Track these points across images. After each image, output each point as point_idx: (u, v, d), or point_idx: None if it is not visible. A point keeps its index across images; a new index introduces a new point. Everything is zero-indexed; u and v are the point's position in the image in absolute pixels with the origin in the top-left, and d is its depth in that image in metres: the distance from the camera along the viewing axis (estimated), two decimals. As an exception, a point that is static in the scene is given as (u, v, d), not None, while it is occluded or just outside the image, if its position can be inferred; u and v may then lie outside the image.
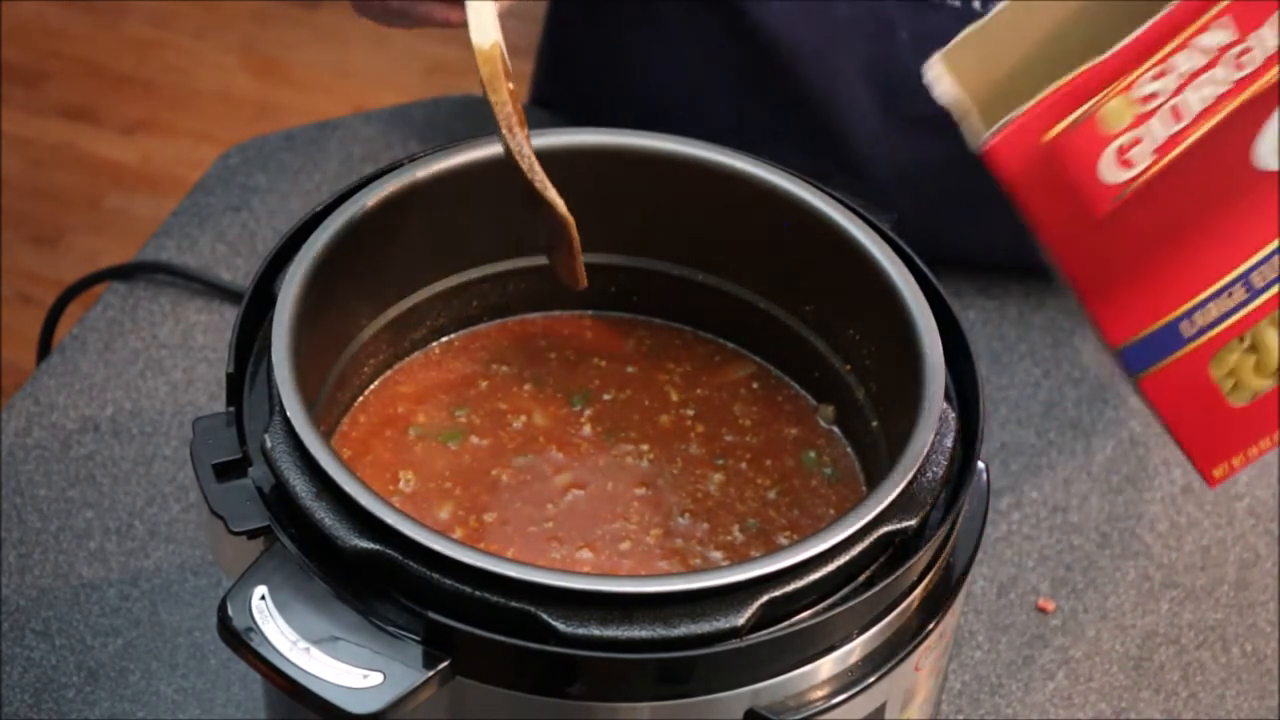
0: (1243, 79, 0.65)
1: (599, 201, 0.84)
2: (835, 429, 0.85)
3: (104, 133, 2.34)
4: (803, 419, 0.85)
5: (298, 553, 0.68)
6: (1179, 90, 0.65)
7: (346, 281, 0.80)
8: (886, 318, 0.79)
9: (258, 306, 0.77)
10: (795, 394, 0.86)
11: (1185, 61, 0.65)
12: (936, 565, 0.73)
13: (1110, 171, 0.67)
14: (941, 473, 0.73)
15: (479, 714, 0.68)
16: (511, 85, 0.79)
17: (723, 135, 0.85)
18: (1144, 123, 0.66)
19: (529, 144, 0.77)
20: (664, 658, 0.66)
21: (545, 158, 0.81)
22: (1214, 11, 0.64)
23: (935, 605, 0.73)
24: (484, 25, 0.81)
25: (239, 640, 0.65)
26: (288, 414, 0.70)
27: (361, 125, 1.26)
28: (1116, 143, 0.66)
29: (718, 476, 0.82)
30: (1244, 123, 0.66)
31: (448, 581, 0.66)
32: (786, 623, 0.68)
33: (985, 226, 1.07)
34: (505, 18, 0.83)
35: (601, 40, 1.22)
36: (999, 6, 0.69)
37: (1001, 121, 0.66)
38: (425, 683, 0.65)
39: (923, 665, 0.73)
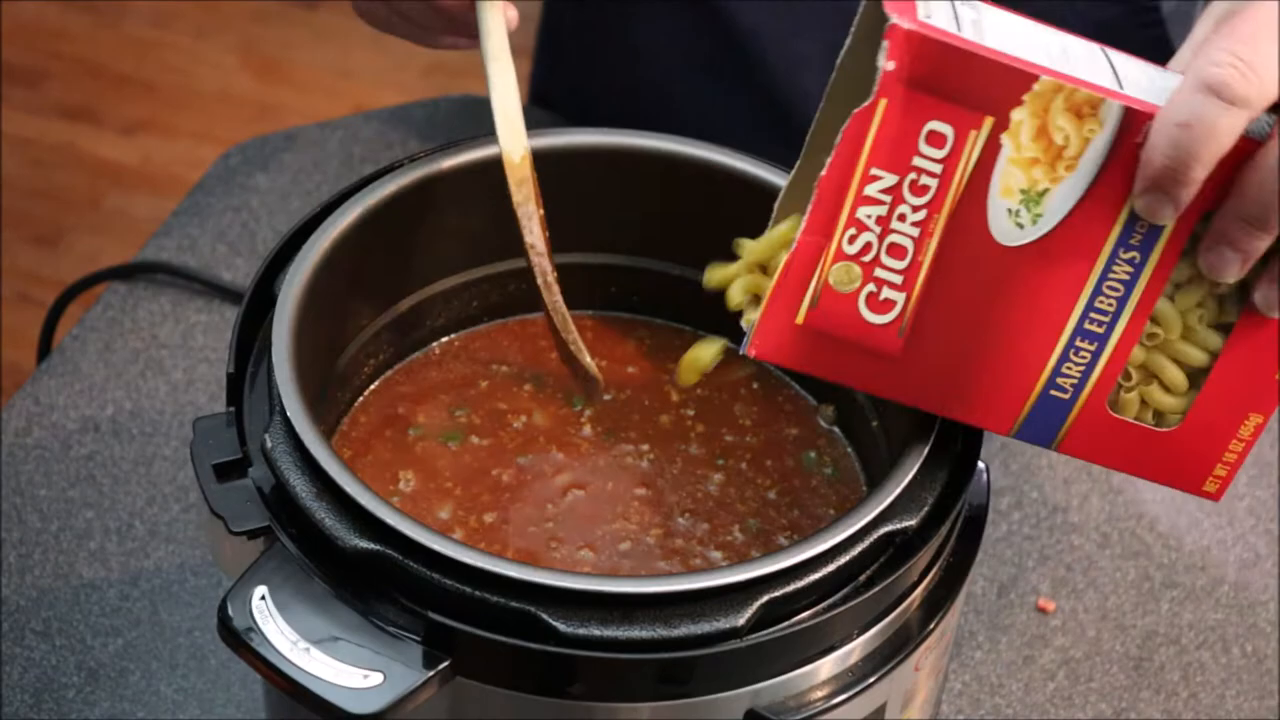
0: (934, 196, 0.66)
1: (598, 201, 0.84)
2: (835, 429, 0.85)
3: (104, 133, 2.34)
4: (803, 419, 0.85)
5: (298, 553, 0.68)
6: (885, 234, 0.67)
7: (347, 281, 0.80)
8: (887, 318, 0.79)
9: (258, 306, 0.77)
10: (795, 394, 0.86)
11: (871, 212, 0.66)
12: (936, 565, 0.73)
13: (876, 317, 0.68)
14: (942, 473, 0.73)
15: (479, 714, 0.68)
16: (542, 211, 0.79)
17: (698, 125, 0.85)
18: (874, 269, 0.67)
19: (562, 301, 0.78)
20: (664, 658, 0.66)
21: (545, 158, 0.81)
22: (858, 175, 0.66)
23: (935, 605, 0.72)
24: (513, 129, 0.80)
25: (239, 640, 0.65)
26: (288, 414, 0.70)
27: (361, 125, 1.26)
28: (863, 295, 0.68)
29: (718, 476, 0.82)
30: (966, 222, 0.66)
31: (448, 581, 0.66)
32: (787, 623, 0.68)
33: None
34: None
35: (584, 34, 1.22)
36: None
37: (748, 329, 0.69)
38: (425, 683, 0.65)
39: (923, 665, 0.73)
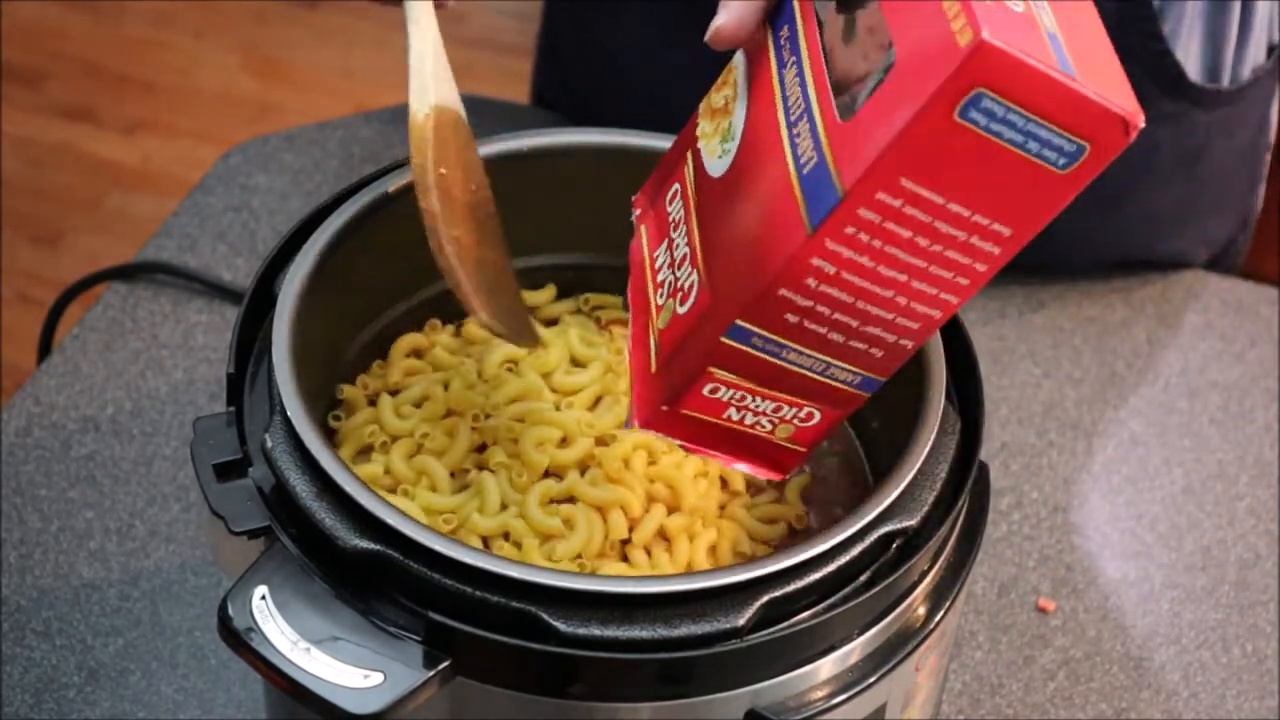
0: (684, 214, 0.74)
1: (598, 201, 0.84)
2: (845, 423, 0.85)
3: (104, 133, 2.35)
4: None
5: (298, 553, 0.68)
6: (674, 266, 0.74)
7: (347, 281, 0.80)
8: (887, 318, 0.79)
9: (258, 306, 0.77)
10: None
11: (664, 273, 0.74)
12: (937, 565, 0.73)
13: (686, 305, 0.71)
14: (942, 473, 0.73)
15: (479, 714, 0.68)
16: (442, 171, 0.78)
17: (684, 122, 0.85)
18: (676, 286, 0.72)
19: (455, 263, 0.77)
20: (664, 658, 0.66)
21: (544, 157, 0.81)
22: (649, 272, 0.75)
23: (935, 605, 0.72)
24: (421, 85, 0.79)
25: (239, 640, 0.65)
26: (288, 414, 0.70)
27: (361, 125, 1.26)
28: (677, 301, 0.72)
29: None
30: (700, 186, 0.73)
31: (448, 581, 0.66)
32: (787, 623, 0.68)
33: None
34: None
35: (584, 34, 1.22)
36: None
37: (626, 417, 0.73)
38: (426, 683, 0.65)
39: (923, 665, 0.73)
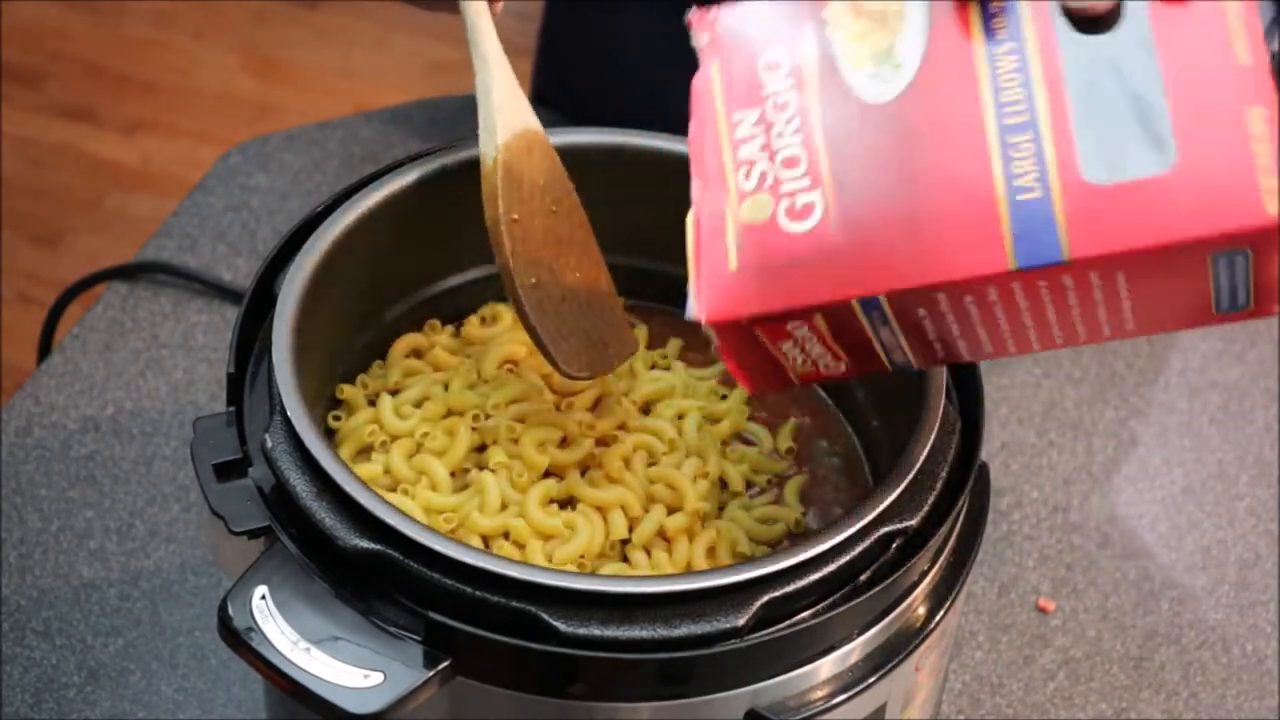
0: (798, 104, 0.69)
1: (595, 201, 0.84)
2: (844, 419, 0.85)
3: (104, 133, 2.34)
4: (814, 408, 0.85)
5: (298, 553, 0.68)
6: (773, 155, 0.68)
7: (347, 281, 0.80)
8: (887, 318, 0.79)
9: (258, 306, 0.77)
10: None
11: (751, 148, 0.69)
12: (937, 565, 0.73)
13: (802, 224, 0.67)
14: (942, 473, 0.73)
15: (479, 714, 0.68)
16: (516, 216, 0.78)
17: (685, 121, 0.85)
18: (779, 188, 0.68)
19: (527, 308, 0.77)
20: (664, 658, 0.66)
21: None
22: (723, 127, 0.70)
23: (935, 605, 0.73)
24: (488, 123, 0.79)
25: (239, 640, 0.65)
26: (288, 414, 0.70)
27: (361, 125, 1.26)
28: (780, 214, 0.68)
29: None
30: (838, 109, 0.68)
31: (448, 581, 0.66)
32: (787, 623, 0.68)
33: None
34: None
35: (585, 34, 1.22)
36: None
37: (691, 292, 0.69)
38: (426, 683, 0.65)
39: (923, 665, 0.73)
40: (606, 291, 0.82)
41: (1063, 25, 0.65)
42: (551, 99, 1.27)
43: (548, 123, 0.82)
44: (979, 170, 0.64)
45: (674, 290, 0.88)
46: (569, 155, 0.83)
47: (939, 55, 0.67)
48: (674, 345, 0.87)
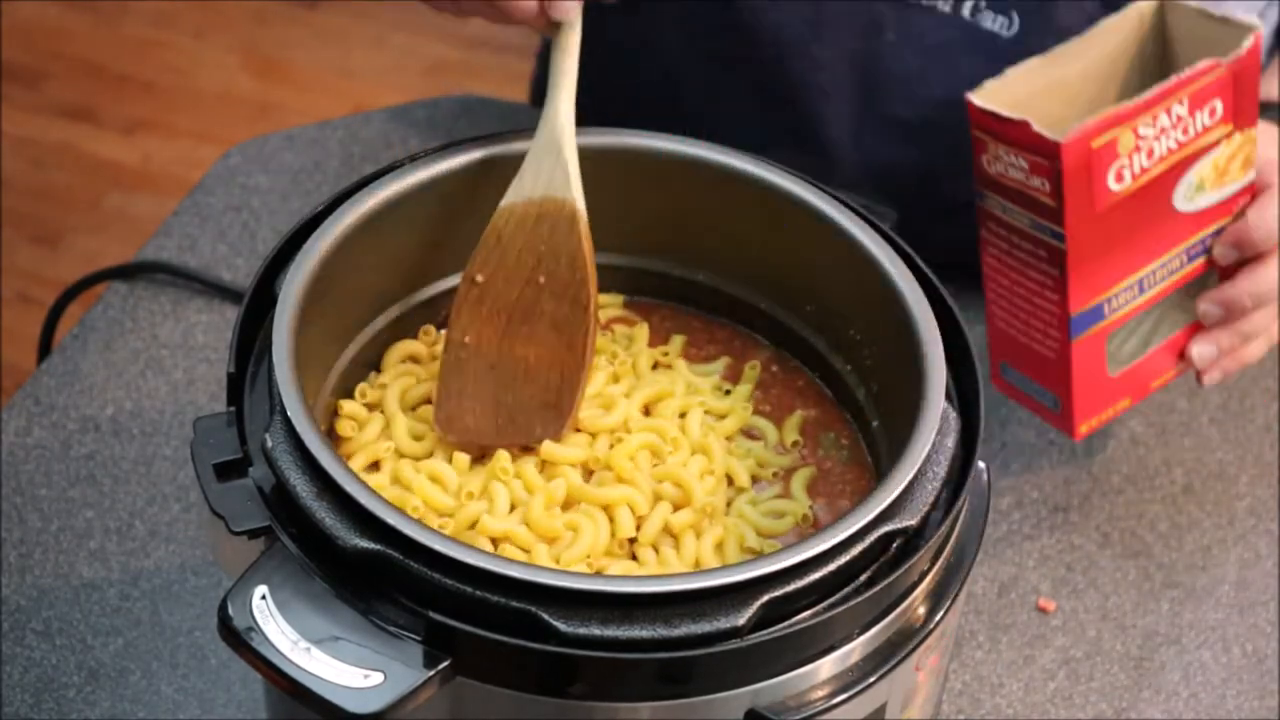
0: (1182, 143, 0.90)
1: (598, 202, 0.84)
2: (848, 415, 0.85)
3: (104, 133, 2.34)
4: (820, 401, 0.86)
5: (298, 553, 0.68)
6: (1156, 137, 0.89)
7: (347, 281, 0.80)
8: (887, 317, 0.79)
9: (258, 306, 0.77)
10: (811, 381, 0.86)
11: (1162, 119, 0.89)
12: (937, 565, 0.73)
13: (1112, 182, 0.89)
14: (942, 473, 0.73)
15: (479, 714, 0.68)
16: (480, 278, 0.80)
17: (696, 122, 0.85)
18: (1134, 154, 0.89)
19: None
20: (664, 658, 0.66)
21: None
22: (1188, 89, 0.90)
23: (935, 605, 0.73)
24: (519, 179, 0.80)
25: (239, 640, 0.65)
26: (288, 414, 0.70)
27: (361, 125, 1.26)
28: (1118, 162, 0.88)
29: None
30: (1174, 174, 0.91)
31: (448, 581, 0.66)
32: (787, 623, 0.68)
33: (951, 234, 1.07)
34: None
35: (591, 34, 1.22)
36: (1027, 63, 0.93)
37: (1072, 128, 0.87)
38: (426, 683, 0.65)
39: (923, 665, 0.73)
40: (564, 376, 0.81)
41: None
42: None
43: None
44: (1161, 248, 0.95)
45: (673, 292, 0.88)
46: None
47: (1210, 212, 0.95)
48: (677, 342, 0.87)
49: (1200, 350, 0.97)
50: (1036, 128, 0.87)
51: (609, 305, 0.88)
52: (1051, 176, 0.87)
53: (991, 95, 0.91)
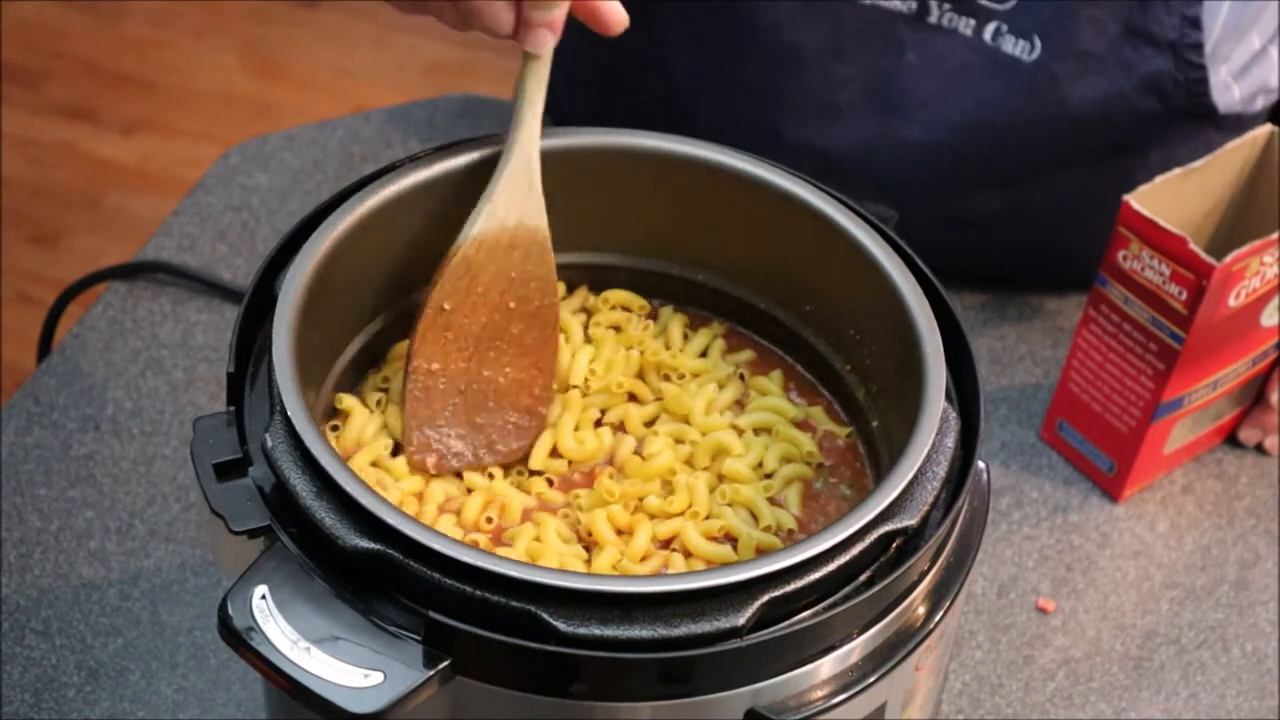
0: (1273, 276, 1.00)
1: (598, 202, 0.84)
2: (848, 415, 0.85)
3: (104, 133, 2.34)
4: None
5: (298, 552, 0.68)
6: (1270, 264, 0.98)
7: (347, 281, 0.80)
8: (887, 317, 0.79)
9: (258, 306, 0.77)
10: (809, 380, 0.86)
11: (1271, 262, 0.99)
12: (936, 565, 0.73)
13: (1232, 299, 0.98)
14: (942, 473, 0.73)
15: (479, 714, 0.68)
16: (448, 305, 0.80)
17: (704, 138, 0.85)
18: (1253, 278, 0.98)
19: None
20: (664, 658, 0.66)
21: (547, 157, 0.81)
22: None
23: (935, 605, 0.72)
24: (475, 212, 0.80)
25: (239, 640, 0.65)
26: (288, 413, 0.70)
27: (361, 125, 1.26)
28: (1242, 284, 0.97)
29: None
30: (1269, 295, 1.00)
31: (448, 581, 0.66)
32: (787, 623, 0.68)
33: (953, 241, 1.08)
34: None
35: (580, 33, 1.21)
36: (1172, 173, 1.01)
37: (1229, 256, 0.96)
38: (426, 682, 0.65)
39: (923, 665, 0.73)
40: (535, 395, 0.82)
41: None
42: (552, 99, 1.26)
43: (548, 123, 0.82)
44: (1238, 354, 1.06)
45: (673, 292, 0.88)
46: (573, 156, 0.83)
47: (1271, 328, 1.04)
48: (712, 333, 0.87)
49: (1247, 434, 1.11)
50: (1193, 246, 0.95)
51: (619, 304, 0.88)
52: (1193, 289, 0.96)
53: (1145, 200, 0.98)
